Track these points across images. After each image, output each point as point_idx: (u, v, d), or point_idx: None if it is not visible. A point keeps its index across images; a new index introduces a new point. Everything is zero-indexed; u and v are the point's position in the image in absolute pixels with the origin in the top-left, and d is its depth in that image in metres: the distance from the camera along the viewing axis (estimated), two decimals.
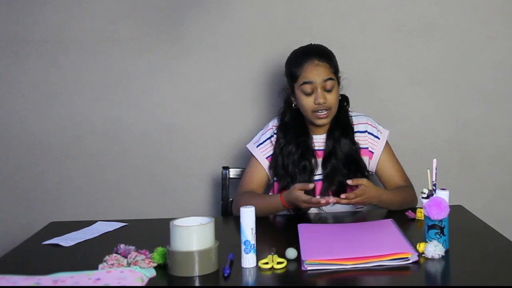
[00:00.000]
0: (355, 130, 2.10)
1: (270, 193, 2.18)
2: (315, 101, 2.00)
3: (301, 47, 2.11)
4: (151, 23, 2.51)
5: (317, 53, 2.04)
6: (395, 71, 2.56)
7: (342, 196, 1.83)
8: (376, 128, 2.12)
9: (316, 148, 2.09)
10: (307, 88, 2.01)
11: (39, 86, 2.52)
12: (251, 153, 2.14)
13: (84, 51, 2.51)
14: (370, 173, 2.13)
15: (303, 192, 1.84)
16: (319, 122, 2.04)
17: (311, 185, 1.84)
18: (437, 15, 2.54)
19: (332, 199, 1.81)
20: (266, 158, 2.12)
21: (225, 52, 2.53)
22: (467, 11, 2.54)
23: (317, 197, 1.94)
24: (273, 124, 2.15)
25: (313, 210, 2.04)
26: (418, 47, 2.55)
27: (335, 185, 2.03)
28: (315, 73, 2.00)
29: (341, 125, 2.08)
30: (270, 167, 2.11)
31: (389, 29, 2.54)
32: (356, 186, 1.89)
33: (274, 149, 2.10)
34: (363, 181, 1.88)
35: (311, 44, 2.12)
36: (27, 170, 2.55)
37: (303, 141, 2.07)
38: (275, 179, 2.12)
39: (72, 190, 2.56)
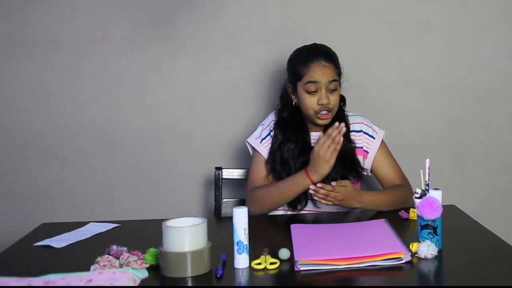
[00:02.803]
0: (350, 129, 2.10)
1: None
2: (318, 101, 2.00)
3: (307, 46, 2.10)
4: (143, 23, 2.50)
5: (324, 53, 2.04)
6: (389, 71, 2.56)
7: (319, 185, 1.88)
8: (371, 128, 2.13)
9: (314, 145, 2.09)
10: (312, 87, 2.01)
11: (31, 87, 2.51)
12: (255, 149, 2.13)
13: (76, 51, 2.50)
14: (365, 172, 2.12)
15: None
16: (321, 122, 2.05)
17: (342, 126, 1.89)
18: (430, 15, 2.54)
19: (341, 126, 1.89)
20: (268, 152, 2.11)
21: (217, 52, 2.52)
22: (461, 11, 2.54)
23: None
24: (272, 118, 2.16)
25: (308, 209, 2.04)
26: (411, 47, 2.55)
27: (329, 182, 2.03)
28: (321, 74, 2.00)
29: None
30: (267, 162, 2.10)
31: (382, 29, 2.54)
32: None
33: (272, 144, 2.10)
34: (345, 182, 1.92)
35: (315, 43, 2.11)
36: (18, 171, 2.53)
37: (302, 138, 2.08)
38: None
39: (64, 191, 2.55)
